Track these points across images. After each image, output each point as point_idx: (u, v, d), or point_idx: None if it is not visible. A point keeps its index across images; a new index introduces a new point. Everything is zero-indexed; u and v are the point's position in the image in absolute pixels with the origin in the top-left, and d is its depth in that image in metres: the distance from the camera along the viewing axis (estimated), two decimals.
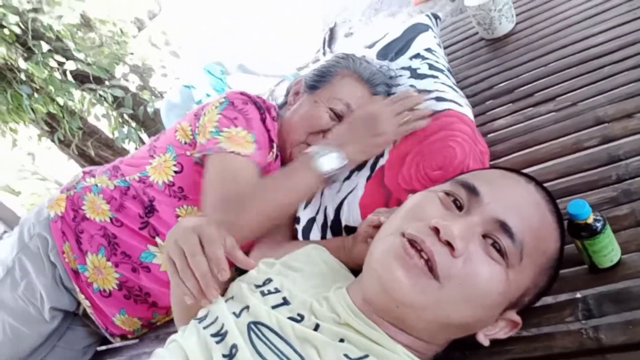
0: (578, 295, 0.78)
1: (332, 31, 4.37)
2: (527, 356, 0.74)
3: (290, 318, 0.70)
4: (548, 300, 0.79)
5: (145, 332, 1.30)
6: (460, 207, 0.71)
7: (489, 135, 1.22)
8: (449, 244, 0.65)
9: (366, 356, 0.64)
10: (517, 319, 0.72)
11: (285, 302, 0.74)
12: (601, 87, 1.13)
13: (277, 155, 1.22)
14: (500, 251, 0.66)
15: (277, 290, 0.76)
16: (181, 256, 0.72)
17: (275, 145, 1.19)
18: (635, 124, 0.99)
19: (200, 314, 0.77)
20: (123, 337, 1.29)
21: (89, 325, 1.31)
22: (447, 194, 0.73)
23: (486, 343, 0.72)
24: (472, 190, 0.71)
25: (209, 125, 1.12)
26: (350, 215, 1.05)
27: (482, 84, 1.41)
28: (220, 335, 0.69)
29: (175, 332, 0.77)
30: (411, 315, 0.66)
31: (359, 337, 0.67)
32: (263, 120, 1.16)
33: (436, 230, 0.66)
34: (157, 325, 1.30)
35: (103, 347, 1.38)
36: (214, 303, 0.76)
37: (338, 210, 1.07)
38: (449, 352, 0.77)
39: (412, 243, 0.66)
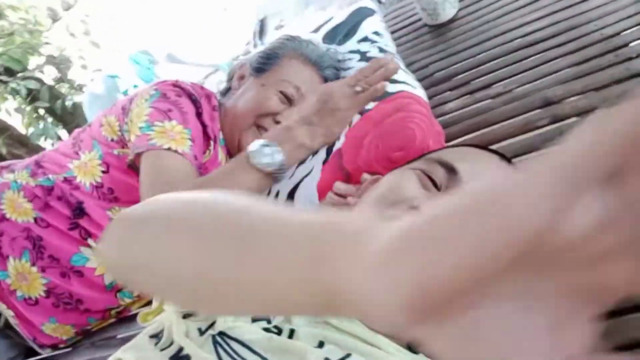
0: None
1: (262, 23, 4.30)
2: None
3: (265, 329, 0.63)
4: None
5: (79, 339, 1.19)
6: (438, 187, 0.69)
7: (439, 119, 1.21)
8: None
9: (348, 355, 0.59)
10: None
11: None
12: (546, 69, 1.16)
13: (214, 154, 1.12)
14: None
15: None
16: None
17: (212, 142, 1.10)
18: (583, 103, 1.02)
19: (153, 330, 0.68)
20: (54, 346, 1.17)
21: (11, 336, 1.18)
22: (425, 172, 0.70)
23: None
24: (449, 169, 0.69)
25: (138, 120, 1.01)
26: (307, 199, 1.00)
27: (428, 69, 1.42)
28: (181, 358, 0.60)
29: (113, 338, 0.68)
30: None
31: (339, 334, 0.62)
32: (199, 115, 1.07)
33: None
34: (93, 331, 1.19)
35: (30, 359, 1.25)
36: (167, 319, 0.67)
37: (292, 194, 1.02)
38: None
39: None
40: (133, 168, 1.05)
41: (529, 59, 1.22)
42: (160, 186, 0.91)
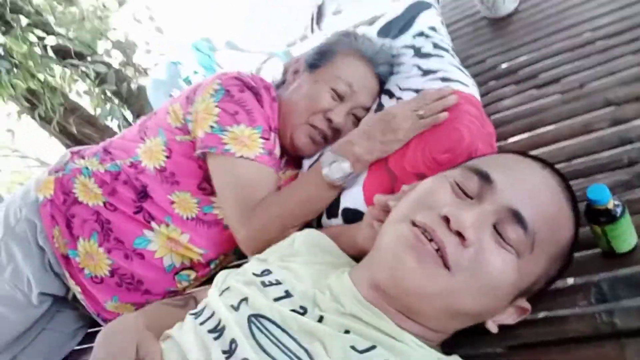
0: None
1: (320, 9, 4.29)
2: (540, 340, 0.73)
3: (293, 311, 0.67)
4: (560, 284, 0.78)
5: None
6: (472, 195, 0.69)
7: (493, 116, 1.19)
8: (459, 234, 0.63)
9: (373, 347, 0.62)
10: (527, 305, 0.71)
11: (288, 294, 0.70)
12: (610, 68, 1.11)
13: (273, 144, 1.16)
14: (511, 241, 0.64)
15: (278, 282, 0.73)
16: None
17: (272, 133, 1.14)
18: None
19: (196, 308, 0.74)
20: None
21: (79, 308, 1.27)
22: (459, 180, 0.70)
23: (494, 330, 0.71)
24: (485, 177, 0.69)
25: (208, 118, 1.07)
26: (352, 198, 1.02)
27: (485, 64, 1.39)
28: (218, 331, 0.65)
29: None
30: (421, 304, 0.65)
31: (365, 327, 0.65)
32: (262, 106, 1.11)
33: (447, 220, 0.64)
34: None
35: (94, 329, 1.34)
36: (209, 296, 0.73)
37: (338, 195, 1.04)
38: (457, 336, 0.75)
39: (423, 231, 0.64)
40: (197, 156, 1.10)
41: (591, 57, 1.17)
42: (242, 194, 1.03)
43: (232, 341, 0.62)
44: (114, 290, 1.17)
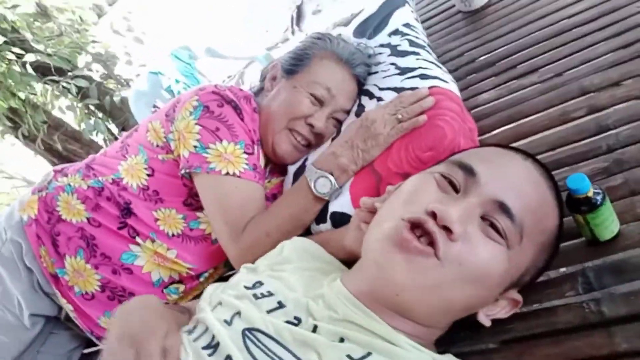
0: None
1: (299, 9, 4.29)
2: (531, 333, 0.74)
3: (287, 322, 0.67)
4: (547, 275, 0.79)
5: None
6: (457, 189, 0.70)
7: (473, 111, 1.20)
8: (446, 228, 0.63)
9: (369, 354, 0.62)
10: (518, 297, 0.72)
11: (281, 305, 0.70)
12: (584, 56, 1.13)
13: (257, 155, 1.15)
14: (499, 232, 0.65)
15: (270, 294, 0.73)
16: None
17: (254, 146, 1.14)
18: (622, 92, 0.98)
19: (189, 325, 0.73)
20: None
21: (72, 328, 1.27)
22: (443, 175, 0.71)
23: (487, 323, 0.71)
24: (468, 171, 0.70)
25: (189, 137, 1.07)
26: (340, 202, 1.02)
27: (463, 58, 1.40)
28: (213, 347, 0.65)
29: None
30: (413, 301, 0.65)
31: (360, 333, 0.65)
32: (242, 119, 1.11)
33: (433, 215, 0.64)
34: None
35: (89, 350, 1.34)
36: (201, 312, 0.73)
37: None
38: (453, 334, 0.76)
39: (413, 226, 0.65)
40: (181, 175, 1.10)
41: (565, 46, 1.18)
42: (230, 212, 1.03)
43: (228, 357, 0.62)
44: (106, 305, 1.16)
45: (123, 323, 0.70)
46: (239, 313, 0.69)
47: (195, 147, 1.06)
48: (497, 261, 0.65)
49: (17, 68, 3.78)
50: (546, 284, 0.78)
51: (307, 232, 1.06)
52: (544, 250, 0.71)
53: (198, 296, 1.22)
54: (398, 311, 0.67)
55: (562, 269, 0.80)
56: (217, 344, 0.65)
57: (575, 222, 0.78)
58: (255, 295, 0.73)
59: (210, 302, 0.76)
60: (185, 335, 0.70)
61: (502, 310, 0.72)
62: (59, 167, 1.29)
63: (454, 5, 1.59)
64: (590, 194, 0.74)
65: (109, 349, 0.67)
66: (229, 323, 0.68)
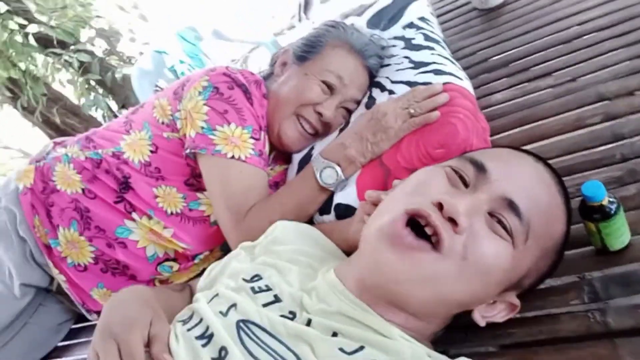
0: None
1: None
2: (532, 339, 0.72)
3: (282, 316, 0.66)
4: (552, 282, 0.78)
5: None
6: (467, 184, 0.69)
7: (485, 110, 1.18)
8: (452, 220, 0.62)
9: (362, 347, 0.61)
10: (516, 301, 0.70)
11: (277, 299, 0.70)
12: (601, 62, 1.11)
13: (263, 141, 1.14)
14: (506, 229, 0.64)
15: (268, 288, 0.72)
16: None
17: (262, 132, 1.12)
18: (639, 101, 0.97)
19: (184, 315, 0.72)
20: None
21: (63, 301, 1.25)
22: (454, 169, 0.70)
23: (482, 323, 0.70)
24: (479, 167, 0.69)
25: (197, 117, 1.05)
26: (345, 193, 1.01)
27: (476, 56, 1.38)
28: (207, 338, 0.64)
29: None
30: (407, 293, 0.64)
31: (352, 326, 0.64)
32: (251, 104, 1.09)
33: (440, 206, 0.63)
34: None
35: (78, 325, 1.32)
36: (197, 302, 0.72)
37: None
38: (452, 334, 0.75)
39: (415, 217, 0.64)
40: (185, 155, 1.08)
41: (583, 50, 1.16)
42: (234, 197, 1.02)
43: (222, 348, 0.61)
44: (99, 277, 1.15)
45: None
46: (234, 305, 0.69)
47: (202, 127, 1.04)
48: (501, 257, 0.64)
49: (19, 38, 3.74)
50: (551, 291, 0.77)
51: (310, 223, 1.04)
52: (548, 255, 0.70)
53: (197, 276, 1.21)
54: (392, 302, 0.66)
55: (569, 277, 0.78)
56: (212, 335, 0.64)
57: (586, 229, 0.76)
58: (253, 289, 0.72)
59: (208, 294, 0.75)
60: (179, 324, 0.69)
61: (499, 314, 0.71)
62: (59, 140, 1.28)
63: (469, 2, 1.56)
64: (604, 203, 0.72)
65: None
66: (224, 314, 0.67)
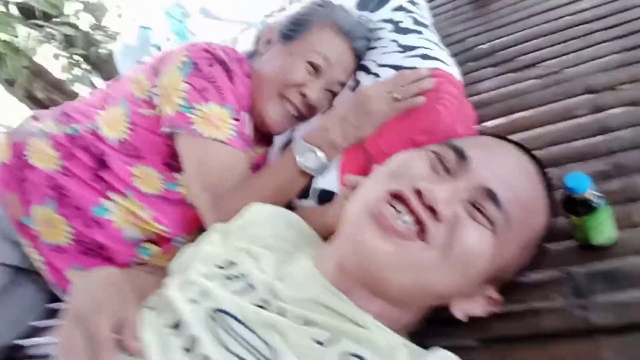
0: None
1: None
2: (513, 334, 0.72)
3: (254, 304, 0.64)
4: (534, 276, 0.76)
5: None
6: (447, 170, 0.67)
7: (471, 98, 1.16)
8: (431, 209, 0.61)
9: (335, 337, 0.60)
10: (497, 296, 0.69)
11: (249, 287, 0.68)
12: (591, 53, 1.10)
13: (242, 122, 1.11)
14: (486, 218, 0.63)
15: (241, 275, 0.70)
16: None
17: (242, 112, 1.10)
18: (628, 94, 0.95)
19: (152, 302, 0.70)
20: None
21: (37, 281, 1.21)
22: (436, 153, 0.68)
23: (461, 317, 0.69)
24: (460, 154, 0.67)
25: (174, 94, 1.01)
26: (327, 178, 0.99)
27: (465, 43, 1.36)
28: (176, 326, 0.62)
29: None
30: (389, 277, 0.62)
31: (326, 315, 0.63)
32: (232, 82, 1.06)
33: (419, 193, 0.62)
34: None
35: (53, 305, 1.29)
36: (167, 289, 0.69)
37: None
38: (429, 327, 0.73)
39: (394, 198, 0.63)
40: (162, 133, 1.05)
41: (573, 41, 1.14)
42: (212, 179, 0.99)
43: (192, 337, 0.60)
44: (75, 258, 1.11)
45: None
46: (206, 292, 0.66)
47: (180, 105, 1.00)
48: (484, 246, 0.63)
49: (0, 8, 3.63)
50: (533, 285, 0.76)
51: (289, 208, 1.02)
52: (528, 248, 0.69)
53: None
54: (369, 287, 0.65)
55: (551, 271, 0.77)
56: (182, 323, 0.62)
57: (570, 223, 0.75)
58: (225, 276, 0.70)
59: (178, 280, 0.72)
60: (147, 311, 0.67)
61: (479, 308, 0.69)
62: (34, 113, 1.23)
63: None
64: (588, 195, 0.70)
65: (60, 331, 0.64)
66: (195, 302, 0.65)
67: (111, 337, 0.60)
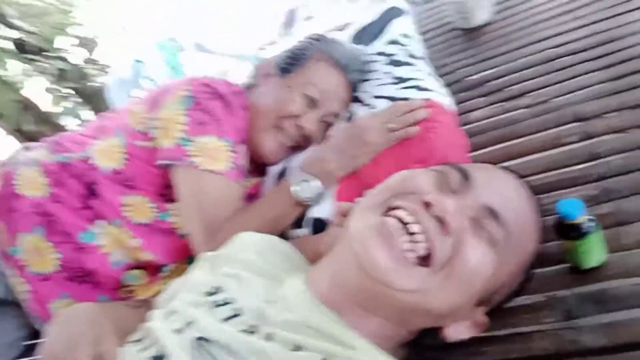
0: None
1: (291, 13, 4.27)
2: (504, 358, 0.73)
3: (242, 331, 0.64)
4: (524, 299, 0.77)
5: None
6: (451, 190, 0.67)
7: (464, 127, 1.19)
8: (440, 220, 0.61)
9: None
10: (484, 318, 0.69)
11: (237, 313, 0.67)
12: (580, 83, 1.13)
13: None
14: (490, 235, 0.63)
15: (228, 302, 0.69)
16: None
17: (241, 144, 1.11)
18: (616, 121, 0.98)
19: (137, 335, 0.69)
20: None
21: (18, 316, 1.18)
22: (439, 173, 0.69)
23: (452, 339, 0.68)
24: (464, 174, 0.68)
25: (174, 127, 1.03)
26: (322, 208, 1.00)
27: (456, 74, 1.39)
28: (160, 359, 0.62)
29: None
30: (389, 298, 0.62)
31: (316, 339, 0.62)
32: (231, 116, 1.07)
33: (427, 206, 0.62)
34: None
35: (33, 342, 1.26)
36: (152, 320, 0.69)
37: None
38: (422, 352, 0.73)
39: (401, 212, 0.63)
40: (158, 165, 1.06)
41: (563, 70, 1.18)
42: (207, 210, 0.99)
43: None
44: (63, 286, 1.09)
45: (48, 339, 0.68)
46: (192, 322, 0.66)
47: (178, 138, 1.01)
48: (486, 264, 0.63)
49: None
50: (523, 308, 0.77)
51: (283, 237, 1.02)
52: (520, 271, 0.69)
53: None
54: (365, 305, 0.64)
55: (541, 295, 0.78)
56: (165, 355, 0.61)
57: (563, 247, 0.76)
58: (212, 303, 0.69)
59: (164, 311, 0.72)
60: (131, 345, 0.67)
61: (465, 331, 0.69)
62: (26, 144, 1.24)
63: (453, 22, 1.58)
64: (580, 221, 0.72)
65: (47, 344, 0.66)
66: (179, 332, 0.64)
67: None
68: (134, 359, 0.63)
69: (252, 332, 0.63)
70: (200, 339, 0.62)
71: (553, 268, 0.81)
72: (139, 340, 0.67)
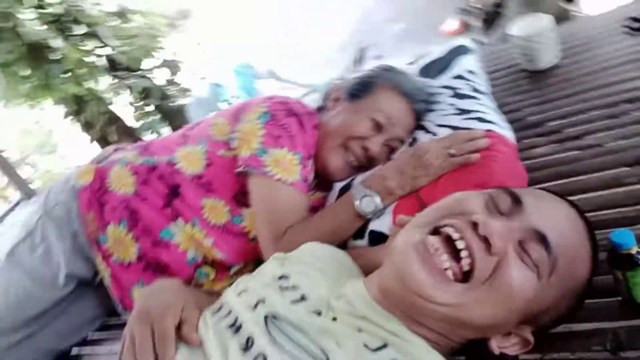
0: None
1: (362, 51, 4.42)
2: None
3: (311, 312, 0.70)
4: (575, 326, 0.78)
5: None
6: (501, 212, 0.70)
7: (525, 162, 1.21)
8: (486, 240, 0.64)
9: (385, 346, 0.64)
10: (530, 337, 0.71)
11: (304, 298, 0.73)
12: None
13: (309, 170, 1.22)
14: (534, 259, 0.66)
15: (295, 287, 0.76)
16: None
17: (310, 160, 1.20)
18: None
19: (214, 306, 0.77)
20: None
21: (100, 297, 1.32)
22: (491, 196, 0.72)
23: (497, 352, 0.71)
24: (516, 199, 0.71)
25: (253, 139, 1.13)
26: (381, 221, 1.05)
27: (519, 113, 1.42)
28: (236, 327, 0.69)
29: None
30: (428, 309, 0.65)
31: (377, 328, 0.67)
32: (304, 132, 1.17)
33: (474, 226, 0.65)
34: None
35: (111, 320, 1.37)
36: (227, 296, 0.78)
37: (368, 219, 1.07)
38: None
39: (448, 230, 0.66)
40: (237, 172, 1.15)
41: (625, 116, 1.19)
42: (276, 215, 1.09)
43: (249, 338, 0.66)
44: (141, 274, 1.21)
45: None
46: (263, 300, 0.73)
47: (256, 149, 1.11)
48: (526, 287, 0.65)
49: (92, 59, 4.00)
50: (573, 335, 0.78)
51: (343, 246, 1.08)
52: (569, 297, 0.71)
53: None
54: (413, 315, 0.68)
55: (592, 324, 0.79)
56: (240, 326, 0.69)
57: (614, 278, 0.78)
58: (281, 287, 0.76)
59: (236, 289, 0.80)
60: (208, 313, 0.75)
61: (512, 347, 0.71)
62: (118, 146, 1.39)
63: (519, 63, 1.62)
64: (633, 251, 0.74)
65: (128, 327, 0.73)
66: (253, 308, 0.72)
67: (174, 332, 0.69)
68: (212, 324, 0.71)
69: (319, 314, 0.69)
70: (271, 315, 0.69)
71: (604, 300, 0.81)
72: (215, 311, 0.75)
